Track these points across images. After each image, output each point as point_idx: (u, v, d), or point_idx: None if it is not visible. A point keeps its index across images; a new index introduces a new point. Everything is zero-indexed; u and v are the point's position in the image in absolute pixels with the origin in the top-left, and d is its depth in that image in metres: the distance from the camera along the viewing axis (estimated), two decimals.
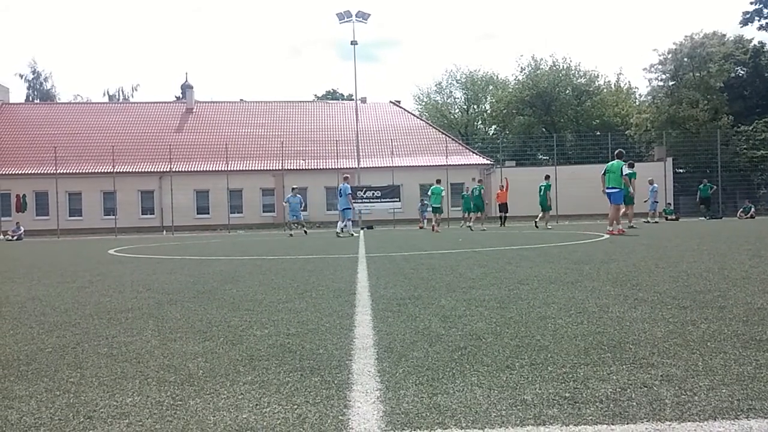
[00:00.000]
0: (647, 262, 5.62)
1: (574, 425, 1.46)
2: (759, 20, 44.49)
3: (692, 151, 36.92)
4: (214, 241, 16.31)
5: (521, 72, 50.82)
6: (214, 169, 35.20)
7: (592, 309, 3.10)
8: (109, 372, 2.10)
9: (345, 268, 6.08)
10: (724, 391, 1.69)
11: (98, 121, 39.04)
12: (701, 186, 26.83)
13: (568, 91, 49.25)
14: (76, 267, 7.46)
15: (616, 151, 13.16)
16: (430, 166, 35.43)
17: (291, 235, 19.24)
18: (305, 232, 20.64)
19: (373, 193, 32.28)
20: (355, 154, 33.22)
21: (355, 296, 3.86)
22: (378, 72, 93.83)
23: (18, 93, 63.24)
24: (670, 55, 41.89)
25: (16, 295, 4.52)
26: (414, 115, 45.18)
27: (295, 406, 1.67)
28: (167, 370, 2.10)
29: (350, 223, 17.35)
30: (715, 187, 28.68)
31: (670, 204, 29.62)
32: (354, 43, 32.31)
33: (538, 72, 49.32)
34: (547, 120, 49.10)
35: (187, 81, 46.53)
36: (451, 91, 57.44)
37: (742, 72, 44.08)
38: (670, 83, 42.59)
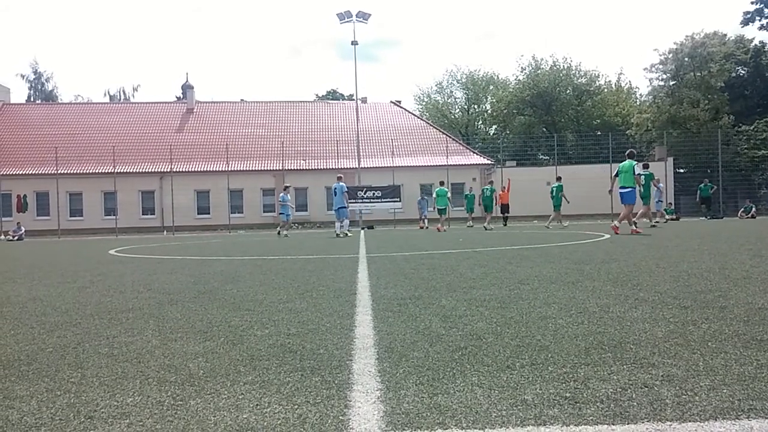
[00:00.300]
0: (648, 262, 5.61)
1: (575, 425, 1.46)
2: (760, 20, 44.46)
3: (693, 150, 36.91)
4: (215, 241, 16.32)
5: (522, 72, 50.90)
6: (214, 169, 35.21)
7: (593, 309, 3.10)
8: (109, 372, 2.10)
9: (345, 268, 6.08)
10: (725, 391, 1.69)
11: (99, 122, 39.07)
12: (701, 186, 26.82)
13: (568, 91, 49.26)
14: (77, 267, 7.46)
15: (628, 151, 13.12)
16: (431, 166, 35.44)
17: (286, 235, 18.28)
18: (286, 234, 18.81)
19: (374, 193, 32.28)
20: (356, 154, 33.24)
21: (356, 296, 3.86)
22: (378, 72, 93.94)
23: (20, 93, 63.25)
24: (671, 55, 41.88)
25: (17, 296, 4.53)
26: (414, 115, 45.19)
27: (296, 406, 1.67)
28: (168, 370, 2.10)
29: (347, 222, 16.95)
30: (715, 186, 28.67)
31: (671, 204, 29.60)
32: (354, 43, 32.32)
33: (539, 72, 49.33)
34: (548, 120, 49.10)
35: (187, 81, 46.53)
36: (451, 91, 57.51)
37: (743, 72, 44.08)
38: (671, 83, 42.58)
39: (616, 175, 12.70)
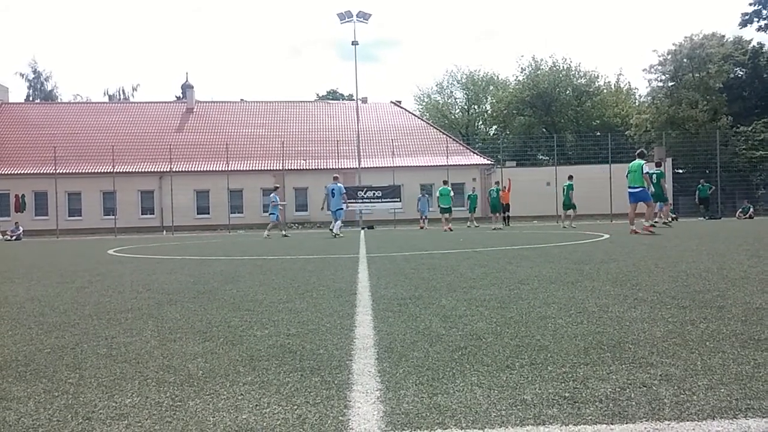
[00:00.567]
0: (647, 262, 5.62)
1: (574, 425, 1.46)
2: (758, 21, 44.51)
3: (692, 151, 36.94)
4: (215, 241, 16.31)
5: (521, 72, 50.93)
6: (214, 169, 35.18)
7: (592, 309, 3.11)
8: (108, 373, 2.10)
9: (345, 268, 6.08)
10: (722, 390, 1.69)
11: (98, 121, 39.02)
12: (700, 186, 26.84)
13: (568, 92, 49.31)
14: (76, 267, 7.45)
15: (638, 151, 13.11)
16: (431, 166, 35.43)
17: (268, 236, 17.62)
18: (268, 235, 18.00)
19: (374, 193, 32.26)
20: (356, 154, 33.22)
21: (356, 296, 3.86)
22: (378, 72, 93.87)
23: (18, 92, 63.29)
24: (669, 56, 41.93)
25: (14, 296, 4.52)
26: (415, 116, 45.19)
27: (295, 407, 1.67)
28: (167, 371, 2.10)
29: (339, 223, 16.41)
30: (713, 187, 28.70)
31: (670, 204, 29.63)
32: (355, 43, 32.31)
33: (539, 72, 49.38)
34: (548, 120, 49.14)
35: (187, 81, 46.45)
36: (451, 92, 57.55)
37: (741, 73, 44.12)
38: (670, 84, 42.62)
39: (627, 175, 12.70)
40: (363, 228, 26.77)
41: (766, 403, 1.58)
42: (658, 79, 43.65)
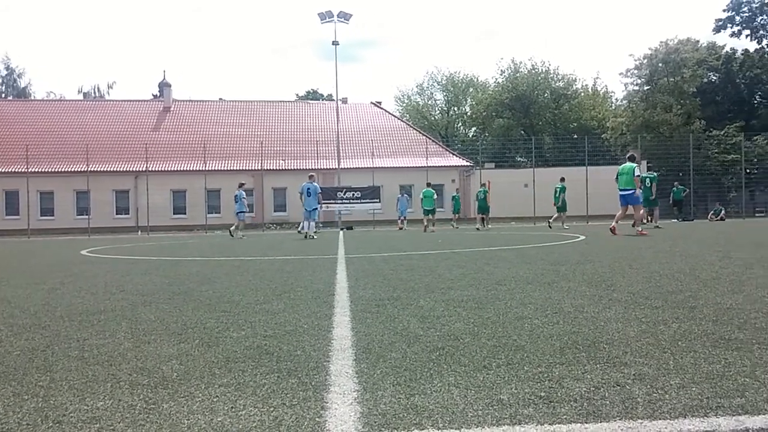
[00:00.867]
0: (621, 263, 5.71)
1: (549, 424, 1.48)
2: (731, 27, 45.73)
3: (666, 154, 37.72)
4: (191, 242, 16.10)
5: (501, 75, 51.42)
6: (191, 168, 34.74)
7: (568, 309, 3.14)
8: (79, 375, 2.05)
9: (324, 269, 6.05)
10: (694, 389, 1.73)
11: (72, 119, 38.24)
12: (674, 189, 27.43)
13: (546, 95, 49.97)
14: (47, 268, 7.29)
15: (628, 155, 13.24)
16: (411, 167, 35.55)
17: (233, 235, 17.48)
18: (232, 234, 18.30)
19: (353, 194, 32.19)
20: (336, 154, 33.14)
21: (334, 297, 3.85)
22: (359, 72, 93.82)
23: None
24: (645, 61, 42.75)
25: None
26: (395, 116, 45.30)
27: (272, 409, 1.65)
28: (140, 373, 2.06)
29: (314, 223, 16.29)
30: (687, 190, 29.35)
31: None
32: (335, 43, 32.23)
33: (518, 75, 49.92)
34: (526, 122, 49.71)
35: (164, 79, 45.77)
36: (431, 93, 57.86)
37: (714, 78, 45.25)
38: (645, 88, 43.46)
39: (617, 177, 12.82)
40: (342, 229, 26.70)
41: (736, 401, 1.62)
42: (634, 83, 44.54)
